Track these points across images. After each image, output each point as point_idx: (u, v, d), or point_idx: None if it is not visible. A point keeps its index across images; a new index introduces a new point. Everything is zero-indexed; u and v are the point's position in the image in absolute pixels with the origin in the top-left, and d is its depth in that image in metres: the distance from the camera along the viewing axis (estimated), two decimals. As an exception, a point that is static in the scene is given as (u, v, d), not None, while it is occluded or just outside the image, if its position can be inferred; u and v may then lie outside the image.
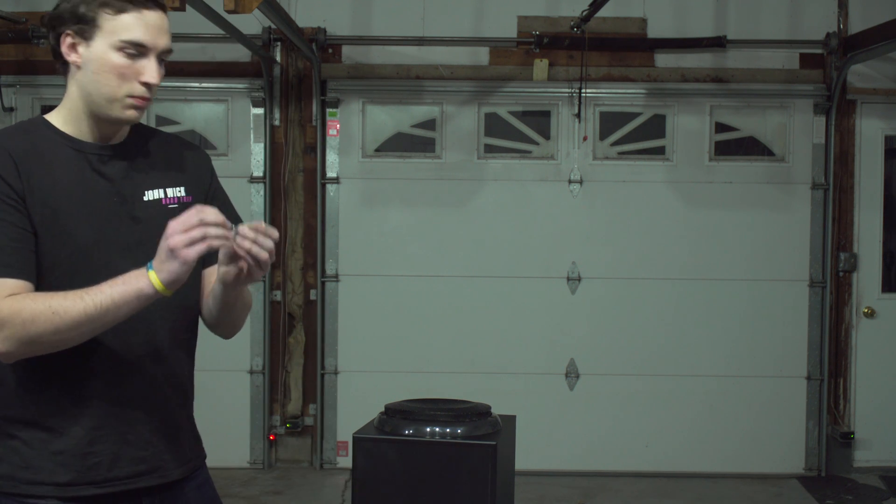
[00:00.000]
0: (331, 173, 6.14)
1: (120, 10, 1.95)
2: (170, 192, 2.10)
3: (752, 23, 6.10)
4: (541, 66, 6.07)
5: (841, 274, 6.15)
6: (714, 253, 6.12)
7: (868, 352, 6.17)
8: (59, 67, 2.04)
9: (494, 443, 2.41)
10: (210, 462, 2.29)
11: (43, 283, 1.93)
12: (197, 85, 6.03)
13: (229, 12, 3.99)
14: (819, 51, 6.11)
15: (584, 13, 5.66)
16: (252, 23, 5.79)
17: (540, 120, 6.21)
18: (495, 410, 2.63)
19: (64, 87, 2.08)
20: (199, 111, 6.16)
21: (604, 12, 5.60)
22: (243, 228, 1.88)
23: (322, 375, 6.13)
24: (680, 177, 6.13)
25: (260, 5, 4.12)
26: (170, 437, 2.10)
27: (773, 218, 6.11)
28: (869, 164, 6.17)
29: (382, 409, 2.62)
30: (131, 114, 2.01)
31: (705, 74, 6.11)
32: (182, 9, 4.16)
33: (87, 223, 1.97)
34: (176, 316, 2.10)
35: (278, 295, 6.14)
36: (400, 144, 6.24)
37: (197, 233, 1.82)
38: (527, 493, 5.59)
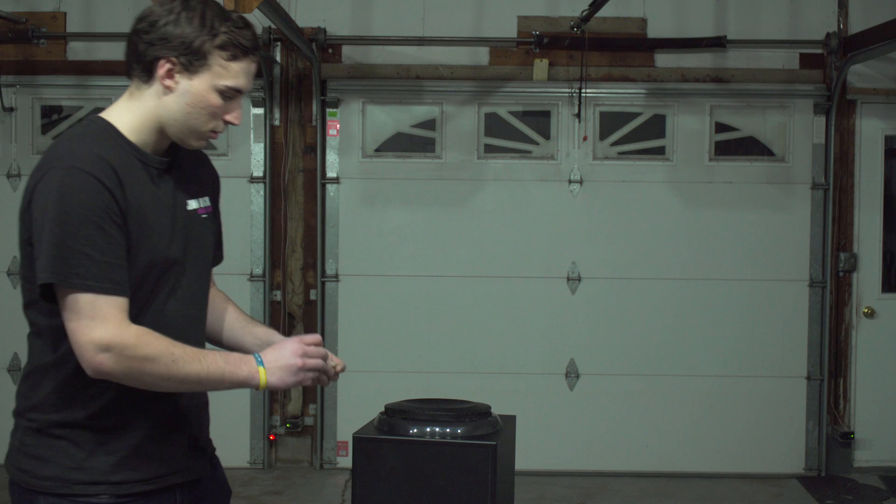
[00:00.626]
0: (331, 173, 6.14)
1: (233, 58, 2.02)
2: (201, 202, 2.17)
3: (752, 23, 6.11)
4: (541, 66, 6.07)
5: (841, 274, 6.15)
6: (714, 253, 6.11)
7: (868, 352, 6.17)
8: (134, 73, 2.04)
9: (494, 443, 2.41)
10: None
11: (134, 293, 1.98)
12: (197, 85, 6.02)
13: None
14: (819, 51, 6.11)
15: (584, 13, 5.66)
16: (252, 22, 5.79)
17: (540, 120, 6.21)
18: (495, 410, 2.63)
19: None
20: (199, 111, 6.15)
21: (604, 12, 5.60)
22: (329, 369, 2.13)
23: (322, 375, 6.12)
24: (680, 177, 6.13)
25: (260, 5, 4.12)
26: (204, 435, 2.22)
27: (773, 218, 6.11)
28: (869, 164, 6.17)
29: (382, 409, 2.62)
30: (203, 144, 2.11)
31: (705, 74, 6.12)
32: (182, 9, 4.15)
33: (161, 236, 2.03)
34: (204, 319, 2.24)
35: (278, 295, 6.14)
36: (400, 144, 6.24)
37: (321, 367, 2.08)
38: (527, 493, 5.59)
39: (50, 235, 1.88)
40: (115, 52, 6.12)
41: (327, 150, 6.14)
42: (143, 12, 2.05)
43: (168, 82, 2.00)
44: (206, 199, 2.19)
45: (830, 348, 6.13)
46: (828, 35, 6.04)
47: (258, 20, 5.83)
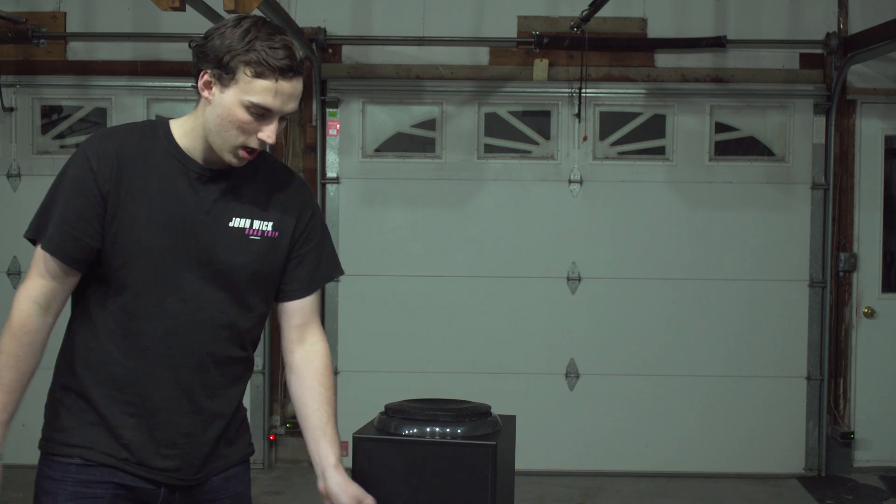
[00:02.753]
0: (331, 173, 6.15)
1: (258, 75, 2.03)
2: (256, 223, 2.20)
3: (752, 23, 6.11)
4: (541, 66, 6.07)
5: (841, 274, 6.15)
6: (714, 253, 6.11)
7: (868, 352, 6.17)
8: (193, 87, 2.15)
9: (494, 443, 2.40)
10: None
11: (115, 280, 2.11)
12: (197, 85, 6.02)
13: (229, 12, 3.99)
14: (819, 51, 6.11)
15: (584, 13, 5.66)
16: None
17: (540, 120, 6.21)
18: (495, 410, 2.63)
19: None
20: (199, 111, 6.14)
21: (604, 12, 5.59)
22: None
23: (322, 375, 6.12)
24: (680, 177, 6.13)
25: (260, 5, 4.13)
26: (197, 445, 2.21)
27: (773, 218, 6.11)
28: (869, 164, 6.17)
29: (382, 409, 2.62)
30: (236, 161, 2.12)
31: (705, 74, 6.11)
32: (182, 9, 4.17)
33: (164, 232, 2.10)
34: (227, 335, 2.22)
35: (278, 295, 6.13)
36: (400, 144, 6.24)
37: None
38: (527, 493, 5.59)
39: (43, 199, 2.13)
40: (115, 52, 6.12)
41: (327, 150, 6.14)
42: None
43: (206, 94, 2.09)
44: (269, 223, 2.22)
45: (830, 348, 6.13)
46: (828, 35, 6.04)
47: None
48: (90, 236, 2.07)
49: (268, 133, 2.08)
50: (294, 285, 2.31)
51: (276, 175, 2.28)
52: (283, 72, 2.04)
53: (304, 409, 2.38)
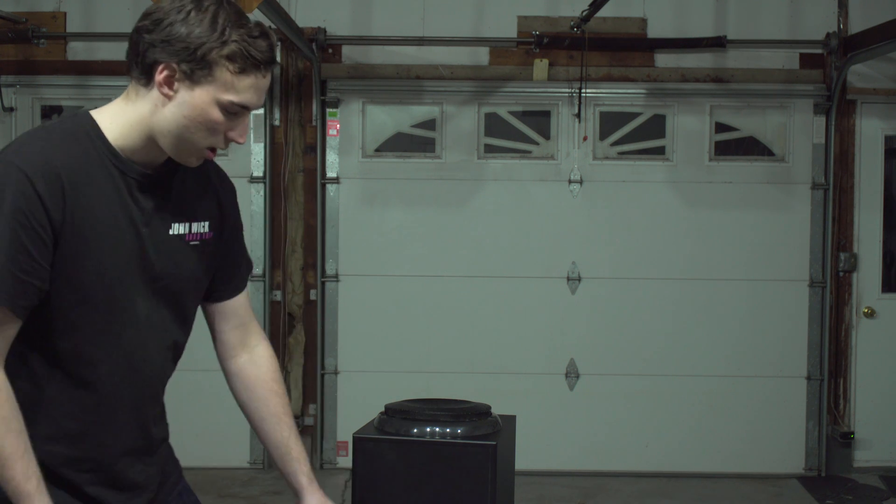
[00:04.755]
0: (331, 173, 6.15)
1: (242, 71, 1.78)
2: (194, 227, 1.97)
3: (752, 23, 6.11)
4: (541, 66, 6.07)
5: (841, 274, 6.15)
6: (714, 253, 6.12)
7: (868, 352, 6.17)
8: (133, 74, 1.83)
9: (494, 443, 2.41)
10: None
11: (64, 322, 1.82)
12: (197, 85, 6.02)
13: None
14: (819, 51, 6.11)
15: (584, 13, 5.66)
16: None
17: (540, 120, 6.21)
18: (495, 410, 2.63)
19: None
20: (199, 111, 6.14)
21: (604, 12, 5.60)
22: None
23: (322, 375, 6.13)
24: (680, 177, 6.13)
25: (260, 5, 4.13)
26: (153, 477, 2.03)
27: (773, 218, 6.11)
28: (869, 164, 6.17)
29: (382, 409, 2.62)
30: (197, 162, 1.89)
31: (705, 74, 6.12)
32: (182, 9, 4.16)
33: (114, 256, 1.84)
34: (171, 355, 2.03)
35: (278, 295, 6.14)
36: (400, 144, 6.24)
37: None
38: (527, 493, 5.59)
39: None
40: (115, 52, 6.12)
41: (327, 150, 6.14)
42: (149, 7, 1.81)
43: (166, 90, 1.79)
44: (206, 224, 1.99)
45: (830, 348, 6.13)
46: (828, 35, 6.04)
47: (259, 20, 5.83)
48: (40, 278, 1.75)
49: (239, 131, 1.84)
50: (226, 283, 2.10)
51: (200, 168, 1.96)
52: (267, 65, 1.81)
53: (262, 423, 2.13)
